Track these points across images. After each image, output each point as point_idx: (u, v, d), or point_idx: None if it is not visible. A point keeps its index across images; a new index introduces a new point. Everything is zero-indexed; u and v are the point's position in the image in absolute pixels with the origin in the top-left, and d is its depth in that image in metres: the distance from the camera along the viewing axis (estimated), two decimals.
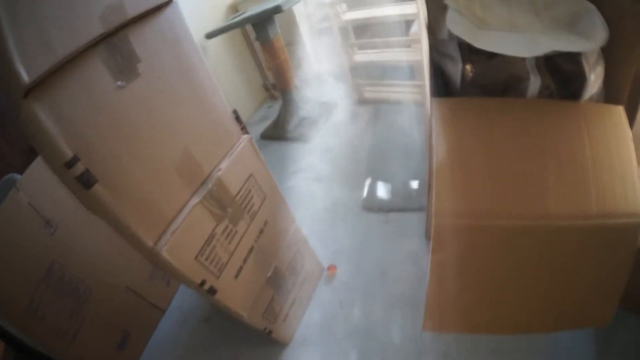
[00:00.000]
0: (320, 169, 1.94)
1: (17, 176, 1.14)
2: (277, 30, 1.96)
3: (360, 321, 1.23)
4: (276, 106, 2.55)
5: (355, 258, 1.42)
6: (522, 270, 0.76)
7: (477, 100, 0.81)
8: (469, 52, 0.82)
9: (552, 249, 0.70)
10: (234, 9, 2.46)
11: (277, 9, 1.69)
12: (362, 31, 2.20)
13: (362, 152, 1.95)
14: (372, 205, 1.62)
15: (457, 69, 0.85)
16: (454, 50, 0.85)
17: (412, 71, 2.08)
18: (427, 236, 1.40)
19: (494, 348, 1.03)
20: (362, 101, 2.33)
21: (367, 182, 1.74)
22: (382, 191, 1.67)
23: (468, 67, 0.85)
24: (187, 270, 0.79)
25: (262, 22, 1.84)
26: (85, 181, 0.61)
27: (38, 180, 1.11)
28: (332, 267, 1.39)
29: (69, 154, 0.58)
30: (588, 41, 0.72)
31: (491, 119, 0.77)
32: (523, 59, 0.78)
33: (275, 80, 2.18)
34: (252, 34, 2.08)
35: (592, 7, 0.75)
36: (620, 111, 0.74)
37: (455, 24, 0.79)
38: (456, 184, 0.73)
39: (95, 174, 0.62)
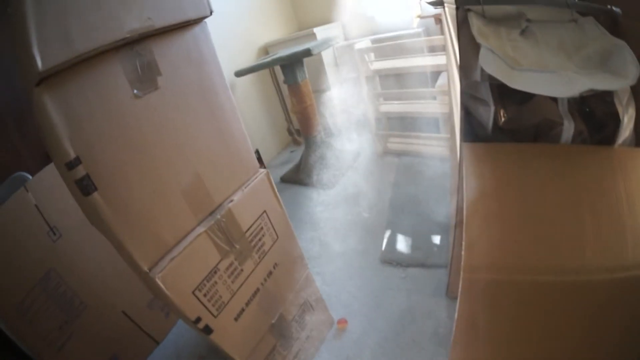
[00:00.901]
0: (338, 216, 1.88)
1: (27, 176, 1.15)
2: (305, 75, 2.00)
3: None
4: (299, 151, 2.55)
5: (368, 313, 1.31)
6: (554, 326, 0.68)
7: (510, 146, 0.78)
8: (500, 95, 0.80)
9: (587, 302, 0.65)
10: (264, 51, 2.56)
11: (306, 52, 1.73)
12: (389, 81, 2.23)
13: (382, 203, 1.89)
14: (391, 259, 1.52)
15: (489, 113, 0.82)
16: (485, 94, 0.82)
17: (438, 124, 2.06)
18: (449, 295, 1.29)
19: None
20: (385, 152, 2.30)
21: (387, 234, 1.66)
22: (402, 245, 1.58)
23: (501, 111, 0.81)
24: (182, 303, 0.71)
25: (292, 65, 1.88)
26: (84, 187, 0.57)
27: (49, 186, 1.11)
28: (342, 321, 1.28)
29: (72, 154, 0.55)
30: (621, 78, 0.70)
31: (525, 165, 0.73)
32: (556, 103, 0.76)
33: (299, 124, 2.19)
34: (281, 77, 2.12)
35: (622, 43, 0.74)
36: None
37: (489, 63, 0.77)
38: (488, 234, 0.68)
39: (96, 181, 0.58)
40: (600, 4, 0.86)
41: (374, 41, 2.18)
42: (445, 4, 0.91)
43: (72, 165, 0.55)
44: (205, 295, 0.77)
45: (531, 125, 0.80)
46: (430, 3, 1.02)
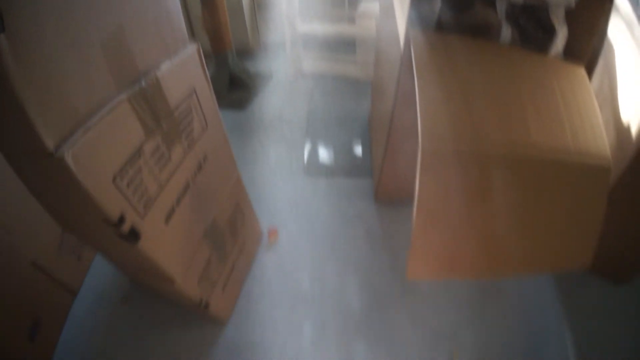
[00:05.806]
0: (255, 134, 1.73)
1: None
2: None
3: (310, 290, 1.07)
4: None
5: (298, 222, 1.26)
6: (506, 203, 0.70)
7: (454, 37, 0.78)
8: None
9: (534, 180, 0.69)
10: None
11: None
12: (308, 2, 2.08)
13: (300, 120, 1.81)
14: (315, 170, 1.48)
15: (435, 7, 0.80)
16: None
17: (354, 47, 2.01)
18: (377, 200, 1.31)
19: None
20: (301, 73, 2.19)
21: (307, 147, 1.59)
22: (325, 156, 1.54)
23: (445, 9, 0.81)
24: (100, 195, 0.53)
25: None
26: None
27: None
28: (273, 231, 1.20)
29: None
30: None
31: (470, 55, 0.75)
32: (495, 12, 0.79)
33: (210, 40, 1.91)
34: None
35: None
36: (582, 70, 0.78)
37: None
38: (442, 110, 0.67)
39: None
40: None
41: None
42: None
43: None
44: (128, 185, 0.60)
45: (473, 24, 0.81)
46: None
